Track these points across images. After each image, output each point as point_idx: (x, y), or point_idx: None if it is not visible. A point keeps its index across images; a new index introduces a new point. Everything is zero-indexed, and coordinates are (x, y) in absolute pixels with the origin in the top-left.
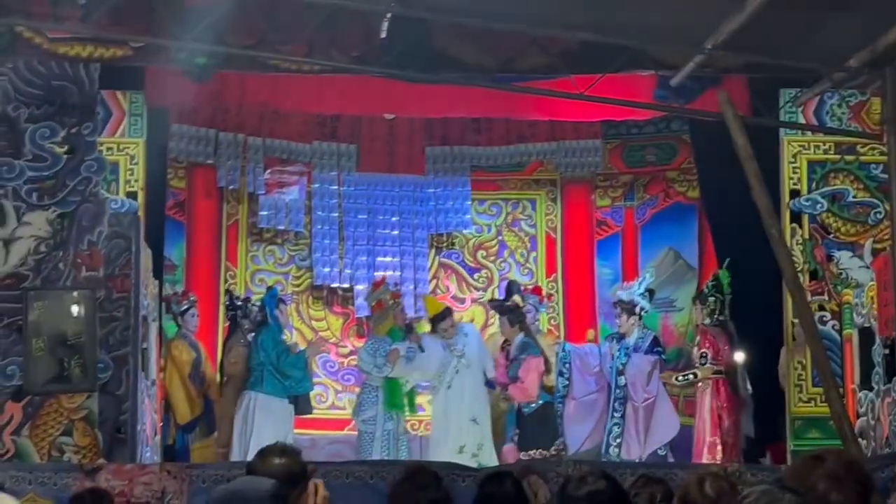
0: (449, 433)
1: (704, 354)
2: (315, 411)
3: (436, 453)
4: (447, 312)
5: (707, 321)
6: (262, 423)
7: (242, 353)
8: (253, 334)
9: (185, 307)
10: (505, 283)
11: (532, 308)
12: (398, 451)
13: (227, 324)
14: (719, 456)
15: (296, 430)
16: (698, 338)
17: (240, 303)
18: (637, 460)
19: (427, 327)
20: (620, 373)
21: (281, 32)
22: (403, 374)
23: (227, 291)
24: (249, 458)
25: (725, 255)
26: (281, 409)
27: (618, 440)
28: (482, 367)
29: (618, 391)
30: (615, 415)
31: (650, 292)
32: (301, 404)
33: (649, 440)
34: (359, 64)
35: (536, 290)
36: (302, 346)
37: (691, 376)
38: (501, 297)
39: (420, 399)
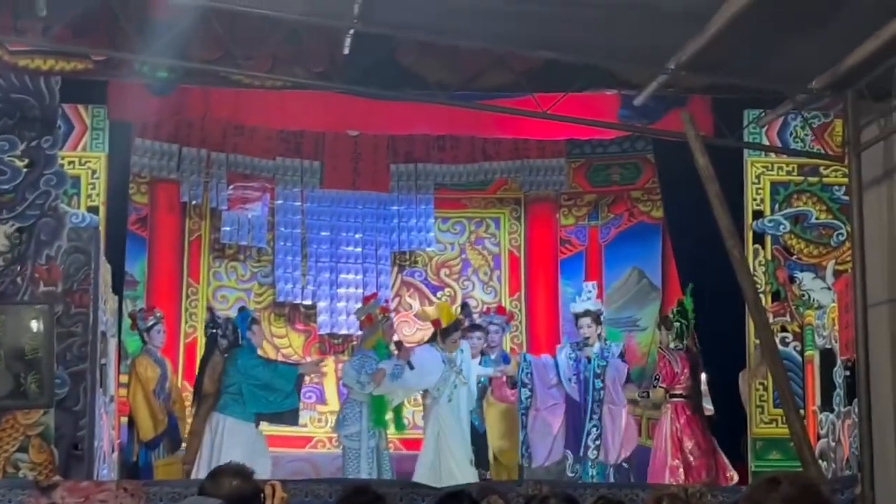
0: (450, 446)
1: (657, 377)
2: (276, 429)
3: (429, 468)
4: (459, 325)
5: (672, 345)
6: (231, 447)
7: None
8: (226, 355)
9: (152, 323)
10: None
11: (498, 328)
12: (381, 469)
13: (205, 340)
14: (681, 478)
15: None
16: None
17: (220, 321)
18: (613, 463)
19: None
20: (598, 376)
21: (244, 47)
22: (387, 392)
23: (209, 309)
24: None
25: (688, 275)
26: (249, 434)
27: (597, 442)
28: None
29: (595, 393)
30: (593, 416)
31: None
32: (287, 417)
33: (625, 446)
34: (322, 80)
35: (500, 310)
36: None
37: (645, 395)
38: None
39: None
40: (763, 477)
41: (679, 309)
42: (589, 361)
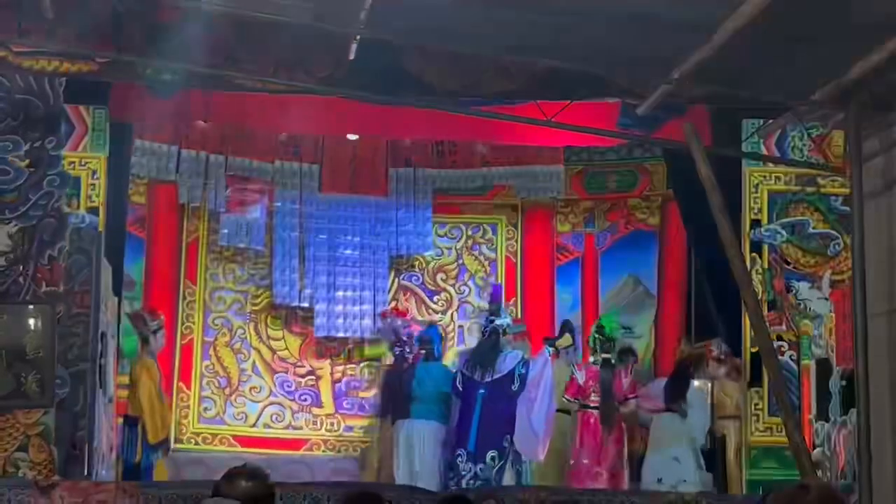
0: None
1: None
2: (271, 431)
3: None
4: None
5: (592, 360)
6: (424, 450)
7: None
8: (414, 366)
9: (157, 326)
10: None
11: None
12: None
13: (392, 355)
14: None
15: (252, 450)
16: None
17: (405, 337)
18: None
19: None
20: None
21: (249, 52)
22: None
23: (394, 330)
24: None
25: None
26: (440, 437)
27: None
28: None
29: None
30: None
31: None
32: None
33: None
34: (326, 85)
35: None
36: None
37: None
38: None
39: None
40: (792, 485)
41: (597, 328)
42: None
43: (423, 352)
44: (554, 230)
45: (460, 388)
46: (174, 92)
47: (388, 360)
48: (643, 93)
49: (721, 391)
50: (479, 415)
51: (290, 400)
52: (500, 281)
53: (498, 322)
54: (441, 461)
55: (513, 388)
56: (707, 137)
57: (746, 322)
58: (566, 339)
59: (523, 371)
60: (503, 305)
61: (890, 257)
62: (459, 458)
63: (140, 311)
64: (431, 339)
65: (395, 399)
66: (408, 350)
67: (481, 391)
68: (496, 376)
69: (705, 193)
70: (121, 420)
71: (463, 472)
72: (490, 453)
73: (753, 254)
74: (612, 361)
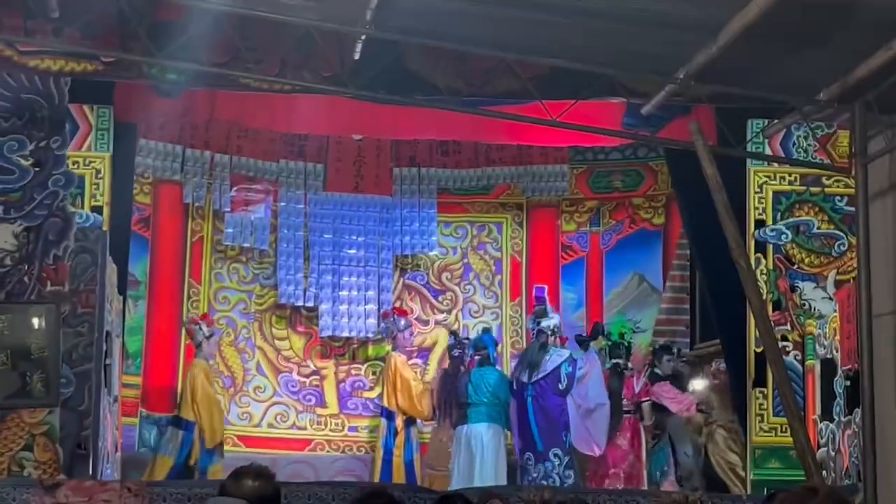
0: None
1: None
2: (276, 431)
3: None
4: None
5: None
6: (486, 454)
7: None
8: (469, 371)
9: (211, 333)
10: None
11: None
12: None
13: (450, 360)
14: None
15: (256, 450)
16: None
17: (464, 342)
18: None
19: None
20: None
21: (254, 51)
22: None
23: (453, 332)
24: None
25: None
26: (501, 440)
27: None
28: None
29: None
30: None
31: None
32: None
33: None
34: (331, 84)
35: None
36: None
37: None
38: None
39: None
40: (799, 486)
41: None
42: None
43: (477, 357)
44: (559, 229)
45: (514, 390)
46: (179, 91)
47: (444, 363)
48: (648, 92)
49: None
50: (532, 415)
51: (295, 400)
52: (503, 279)
53: (545, 324)
54: (501, 462)
55: (559, 386)
56: (712, 137)
57: (751, 322)
58: (599, 342)
59: (570, 370)
60: (548, 307)
61: (895, 257)
62: (529, 461)
63: (193, 316)
64: (486, 344)
65: (452, 404)
66: (466, 355)
67: (529, 391)
68: (541, 375)
69: (705, 193)
70: (135, 420)
71: (534, 474)
72: (553, 451)
73: (758, 254)
74: (622, 367)
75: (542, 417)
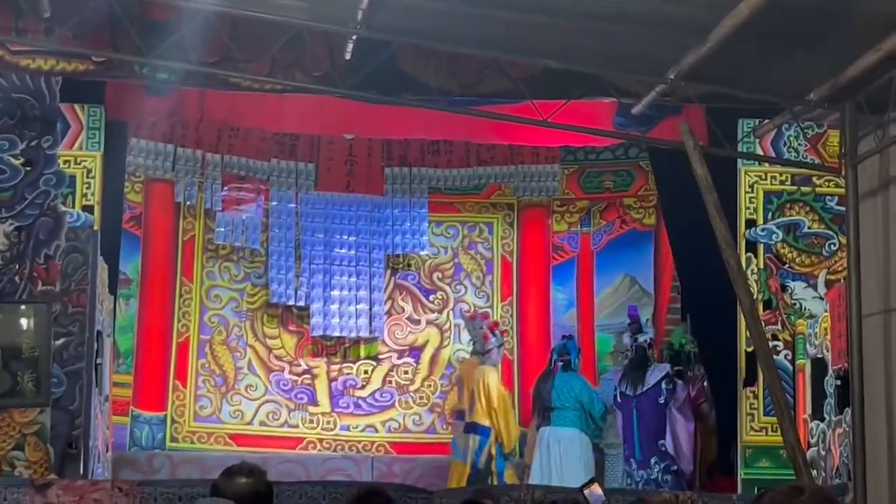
0: None
1: None
2: (267, 429)
3: None
4: None
5: None
6: (569, 456)
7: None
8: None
9: (501, 342)
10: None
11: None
12: None
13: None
14: None
15: (248, 448)
16: None
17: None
18: None
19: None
20: None
21: (245, 51)
22: None
23: (565, 337)
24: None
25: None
26: (585, 443)
27: None
28: None
29: None
30: None
31: None
32: None
33: None
34: (322, 84)
35: (493, 326)
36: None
37: None
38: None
39: None
40: (786, 485)
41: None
42: None
43: (560, 363)
44: (550, 229)
45: (619, 402)
46: (170, 91)
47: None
48: (639, 92)
49: None
50: (636, 426)
51: (286, 398)
52: (494, 278)
53: (641, 339)
54: (584, 466)
55: (660, 400)
56: (703, 137)
57: (742, 321)
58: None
59: (670, 387)
60: (644, 322)
61: (885, 257)
62: (633, 467)
63: (491, 324)
64: (569, 350)
65: (540, 407)
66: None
67: (634, 404)
68: (644, 389)
69: (691, 194)
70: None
71: (637, 479)
72: (653, 458)
73: (749, 253)
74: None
75: (645, 428)
